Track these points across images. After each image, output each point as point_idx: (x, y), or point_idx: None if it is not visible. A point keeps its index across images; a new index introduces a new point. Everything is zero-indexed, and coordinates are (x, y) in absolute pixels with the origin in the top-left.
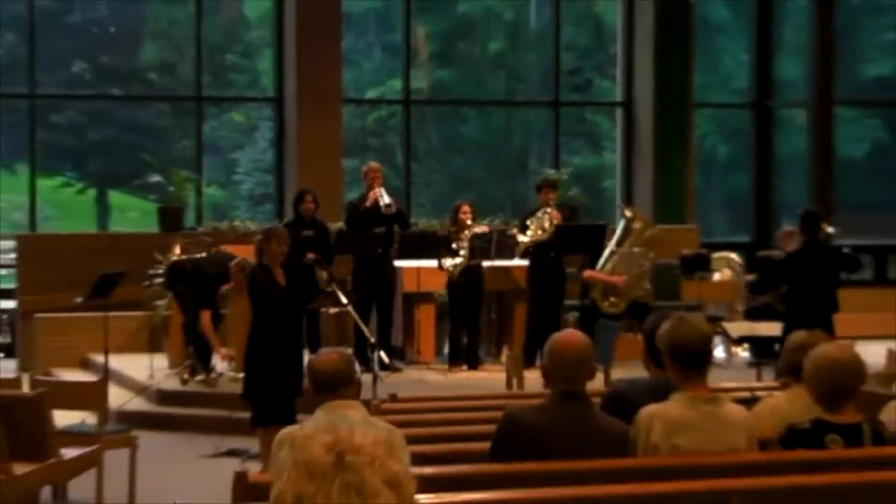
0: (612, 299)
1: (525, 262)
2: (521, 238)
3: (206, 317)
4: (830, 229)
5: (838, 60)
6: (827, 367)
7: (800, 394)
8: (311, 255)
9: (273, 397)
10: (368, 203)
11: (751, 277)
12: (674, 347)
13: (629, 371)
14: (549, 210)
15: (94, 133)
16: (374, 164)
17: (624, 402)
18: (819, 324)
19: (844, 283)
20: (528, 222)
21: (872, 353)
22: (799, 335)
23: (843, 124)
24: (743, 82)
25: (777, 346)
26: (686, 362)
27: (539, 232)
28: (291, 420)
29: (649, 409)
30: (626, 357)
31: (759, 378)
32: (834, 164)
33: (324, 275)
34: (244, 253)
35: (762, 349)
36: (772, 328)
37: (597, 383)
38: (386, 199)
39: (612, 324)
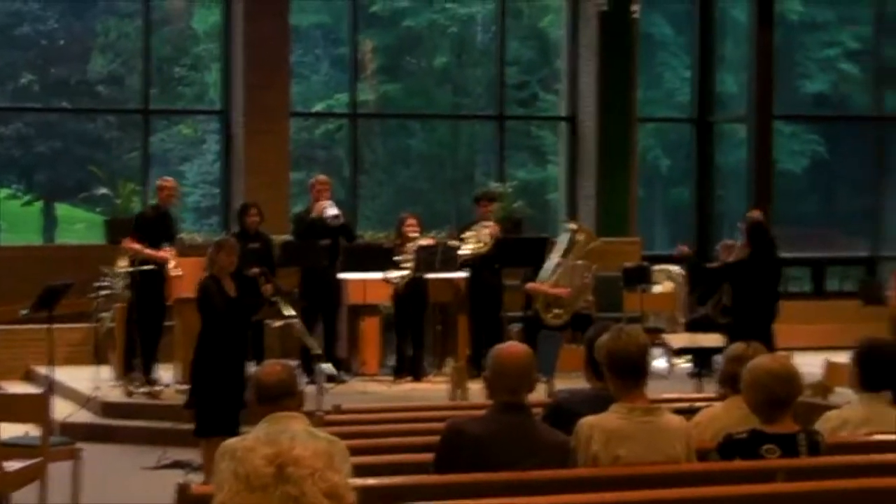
0: (555, 311)
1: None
2: (463, 250)
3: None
4: None
5: (778, 77)
6: (764, 378)
7: (737, 404)
8: (255, 270)
9: (217, 408)
10: (315, 214)
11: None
12: (612, 359)
13: (572, 382)
14: (487, 223)
15: (41, 145)
16: (321, 176)
17: (565, 412)
18: (760, 334)
19: (783, 296)
20: (466, 235)
21: (809, 365)
22: (737, 347)
23: (782, 139)
24: (685, 97)
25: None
26: (624, 373)
27: (479, 245)
28: (234, 431)
29: (588, 421)
30: (569, 368)
31: (699, 389)
32: (774, 178)
33: (269, 288)
34: (191, 265)
35: (702, 360)
36: (712, 339)
37: (539, 394)
38: (332, 211)
39: (555, 335)
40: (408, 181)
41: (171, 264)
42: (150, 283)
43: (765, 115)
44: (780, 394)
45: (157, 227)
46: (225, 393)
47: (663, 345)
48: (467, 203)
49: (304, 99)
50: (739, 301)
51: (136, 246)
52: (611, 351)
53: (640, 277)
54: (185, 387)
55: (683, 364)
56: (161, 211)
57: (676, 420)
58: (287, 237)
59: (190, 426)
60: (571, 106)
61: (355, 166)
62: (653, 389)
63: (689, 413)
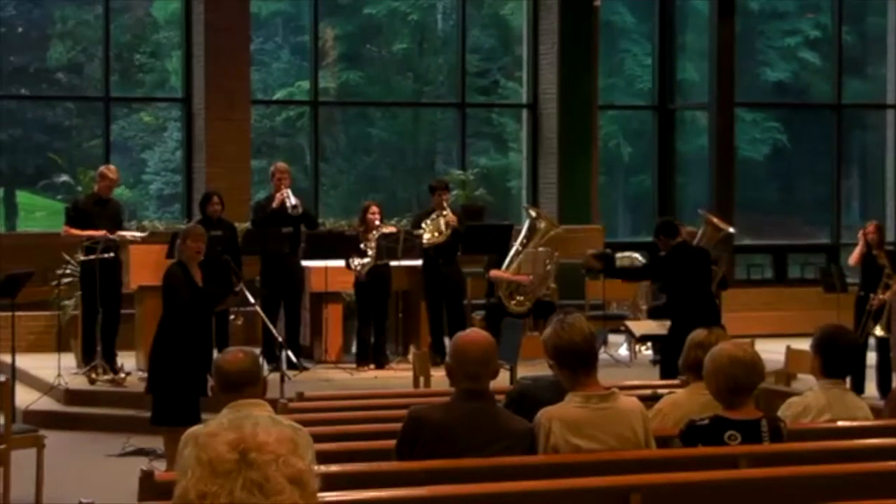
0: (517, 298)
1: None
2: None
3: None
4: (731, 229)
5: (739, 65)
6: (726, 365)
7: (700, 391)
8: (226, 257)
9: (177, 396)
10: (275, 204)
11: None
12: (558, 351)
13: (534, 369)
14: (444, 212)
15: (0, 133)
16: (281, 164)
17: (528, 399)
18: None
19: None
20: (424, 224)
21: (771, 351)
22: (699, 333)
23: (743, 127)
24: (646, 85)
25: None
26: (573, 363)
27: (436, 234)
28: (195, 420)
29: (547, 412)
30: (532, 355)
31: (661, 376)
32: (735, 165)
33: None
34: (153, 253)
35: (664, 347)
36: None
37: (503, 381)
38: (292, 201)
39: (518, 322)
40: (369, 169)
41: (123, 235)
42: (107, 271)
43: (726, 102)
44: (742, 380)
45: (95, 214)
46: (186, 381)
47: (626, 332)
48: (429, 191)
49: (265, 87)
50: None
51: (76, 231)
52: (556, 344)
53: None
54: (146, 374)
55: (646, 351)
56: (99, 199)
57: (631, 402)
58: (247, 225)
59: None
60: (533, 93)
61: (316, 154)
62: (615, 376)
63: (651, 400)
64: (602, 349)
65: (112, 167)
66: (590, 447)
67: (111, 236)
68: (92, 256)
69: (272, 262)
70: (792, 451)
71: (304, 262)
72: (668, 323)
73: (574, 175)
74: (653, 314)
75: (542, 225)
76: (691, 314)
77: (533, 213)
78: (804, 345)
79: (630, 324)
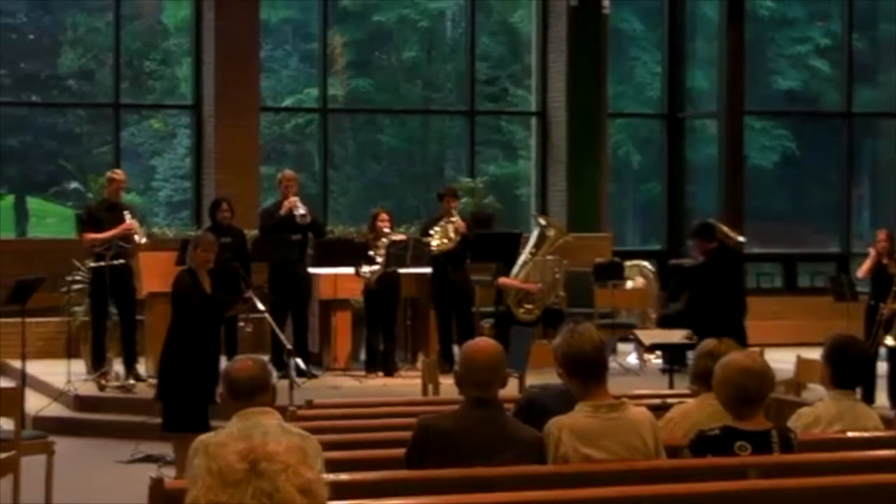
0: (526, 306)
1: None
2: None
3: None
4: (741, 238)
5: (749, 73)
6: (736, 375)
7: (710, 401)
8: (235, 264)
9: (186, 403)
10: (283, 211)
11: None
12: (568, 360)
13: (543, 377)
14: (453, 219)
15: (11, 139)
16: (288, 172)
17: (537, 408)
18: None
19: (754, 291)
20: (432, 231)
21: (781, 361)
22: (709, 343)
23: (753, 135)
24: (655, 93)
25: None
26: (583, 373)
27: (444, 241)
28: (204, 427)
29: (557, 421)
30: (541, 364)
31: (671, 385)
32: (744, 173)
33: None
34: (163, 260)
35: (674, 356)
36: (679, 335)
37: (511, 390)
38: (301, 210)
39: (527, 330)
40: (378, 176)
41: (137, 235)
42: (118, 278)
43: (735, 110)
44: (752, 390)
45: (107, 220)
46: (195, 388)
47: (635, 340)
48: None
49: (274, 94)
50: (707, 299)
51: (97, 235)
52: (566, 353)
53: (611, 273)
54: (156, 380)
55: (655, 360)
56: (109, 203)
57: (641, 412)
58: (256, 232)
59: (160, 420)
60: (542, 101)
61: (325, 161)
62: (625, 385)
63: (661, 409)
64: (611, 358)
65: (118, 171)
66: (599, 457)
67: (131, 224)
68: (102, 263)
69: (280, 269)
70: (802, 461)
71: (313, 270)
72: (677, 332)
73: (583, 183)
74: (663, 323)
75: (551, 233)
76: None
77: (542, 221)
78: (814, 354)
79: (639, 332)
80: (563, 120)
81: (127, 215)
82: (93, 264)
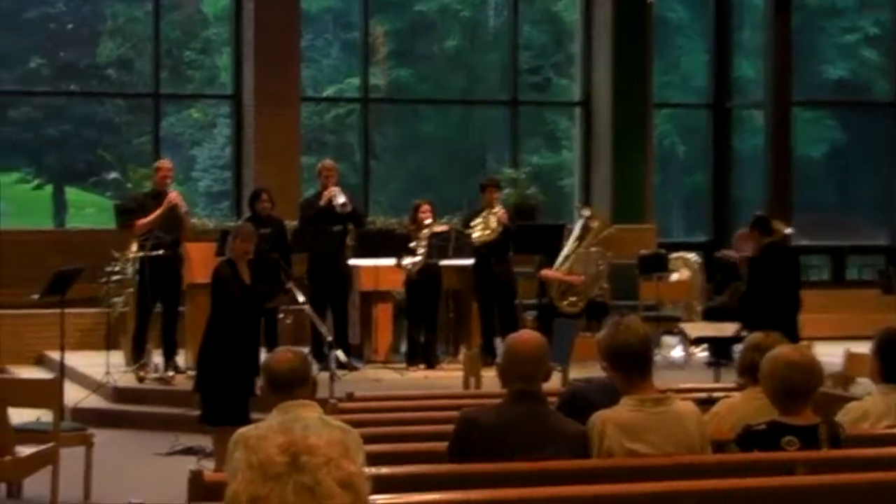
0: (569, 299)
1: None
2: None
3: None
4: (788, 230)
5: (797, 62)
6: (783, 369)
7: (757, 395)
8: (275, 255)
9: (225, 396)
10: (323, 201)
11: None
12: (613, 353)
13: (587, 371)
14: (495, 210)
15: (51, 129)
16: (328, 162)
17: (581, 401)
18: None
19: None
20: (474, 222)
21: (829, 354)
22: (756, 336)
23: (800, 125)
24: (702, 82)
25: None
26: (628, 366)
27: (486, 232)
28: (244, 419)
29: (601, 415)
30: (584, 357)
31: (717, 379)
32: (792, 164)
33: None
34: (203, 250)
35: (720, 350)
36: (729, 329)
37: (554, 383)
38: (341, 199)
39: (570, 323)
40: (419, 167)
41: (180, 202)
42: (164, 267)
43: (783, 100)
44: (799, 384)
45: (155, 207)
46: (235, 380)
47: (680, 334)
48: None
49: (315, 83)
50: (760, 293)
51: (145, 220)
52: (610, 346)
53: (656, 265)
54: (195, 372)
55: (700, 353)
56: (157, 193)
57: (687, 406)
58: (296, 223)
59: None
60: (586, 91)
61: (366, 151)
62: (669, 379)
63: (707, 403)
64: (656, 351)
65: (165, 160)
66: (644, 451)
67: (174, 195)
68: (141, 254)
69: (321, 261)
70: (851, 457)
71: (354, 261)
72: (723, 325)
73: (628, 174)
74: (708, 315)
75: (594, 224)
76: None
77: (586, 213)
78: (863, 348)
79: (685, 325)
80: (607, 110)
81: (170, 191)
82: (138, 253)
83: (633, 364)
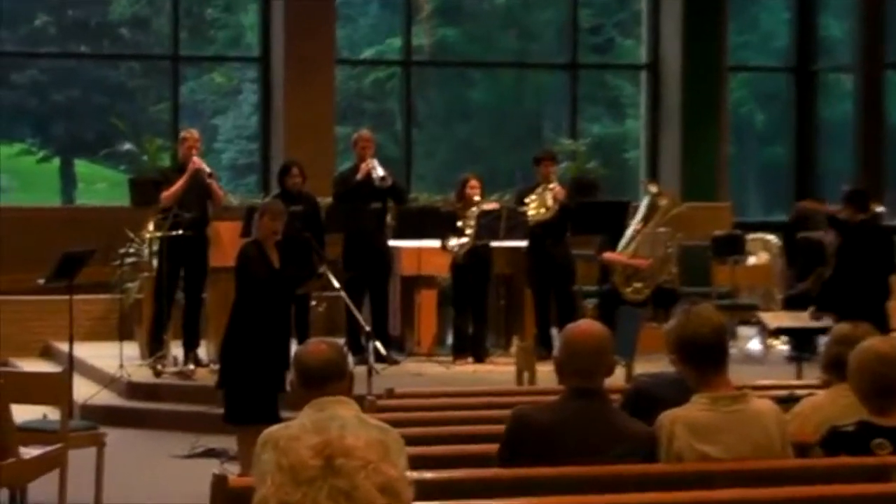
0: (634, 285)
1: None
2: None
3: None
4: (880, 208)
5: (890, 19)
6: (873, 364)
7: (844, 393)
8: (307, 235)
9: (252, 391)
10: (360, 175)
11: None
12: (683, 345)
13: (654, 365)
14: (550, 185)
15: (58, 95)
16: (364, 132)
17: (647, 399)
18: (871, 315)
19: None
20: (528, 199)
21: None
22: (843, 327)
23: (894, 91)
24: (783, 43)
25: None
26: (700, 360)
27: (541, 210)
28: (273, 418)
29: (670, 414)
30: (651, 349)
31: (799, 375)
32: (885, 134)
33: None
34: (227, 230)
35: (802, 342)
36: (813, 319)
37: (618, 379)
38: (380, 171)
39: (635, 312)
40: (467, 137)
41: (204, 166)
42: (187, 249)
43: (874, 63)
44: (892, 381)
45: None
46: (262, 374)
47: (758, 324)
48: None
49: (352, 44)
50: (848, 277)
51: (169, 191)
52: (680, 337)
53: (731, 247)
54: (218, 366)
55: (781, 346)
56: (181, 165)
57: (767, 405)
58: (330, 200)
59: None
60: (653, 52)
61: (408, 120)
62: (746, 374)
63: (787, 402)
64: (731, 343)
65: (192, 130)
66: (718, 455)
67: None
68: (159, 234)
69: (357, 242)
70: None
71: (394, 242)
72: (806, 315)
73: (699, 145)
74: (789, 304)
75: (662, 202)
76: (859, 303)
77: (652, 189)
78: None
79: (763, 315)
80: (676, 74)
81: (195, 158)
82: (154, 234)
83: (705, 357)
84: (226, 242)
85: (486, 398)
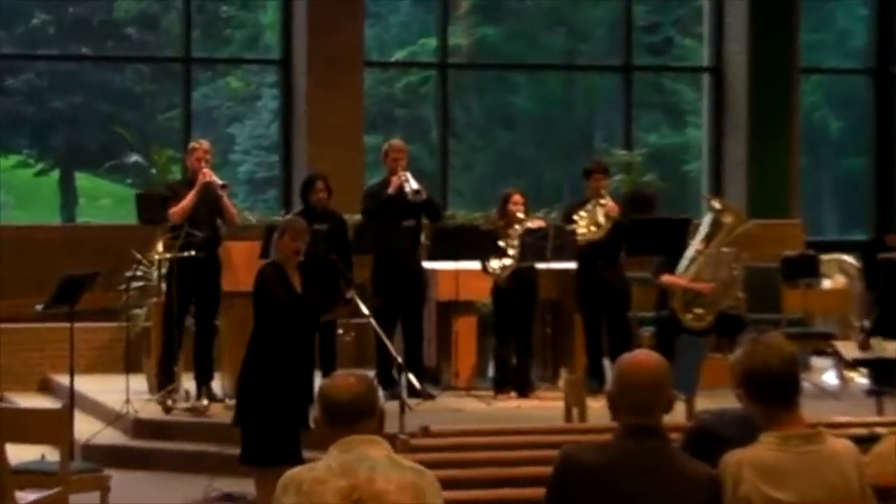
0: (696, 311)
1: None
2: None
3: None
4: None
5: None
6: None
7: None
8: (333, 257)
9: (272, 429)
10: (391, 189)
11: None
12: (750, 378)
13: (717, 400)
14: (602, 201)
15: (57, 101)
16: (396, 142)
17: (710, 438)
18: None
19: None
20: (577, 216)
21: None
22: None
23: None
24: (860, 42)
25: None
26: (768, 395)
27: (592, 228)
28: (295, 458)
29: (736, 455)
30: (714, 383)
31: (879, 411)
32: None
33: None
34: (239, 251)
35: (883, 375)
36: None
37: (678, 415)
38: (413, 185)
39: (697, 341)
40: (510, 147)
41: (216, 179)
42: (199, 272)
43: None
44: None
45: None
46: (284, 410)
47: (834, 354)
48: None
49: (382, 45)
50: None
51: (177, 207)
52: (747, 369)
53: (803, 269)
54: (234, 401)
55: (860, 379)
56: (190, 180)
57: (843, 445)
58: (358, 217)
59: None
60: (716, 53)
61: (445, 129)
62: (821, 410)
63: (867, 442)
64: (803, 376)
65: (203, 140)
66: (789, 500)
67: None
68: (169, 255)
69: (388, 263)
70: None
71: (429, 264)
72: (889, 345)
73: (768, 156)
74: (869, 332)
75: (727, 219)
76: None
77: (716, 205)
78: None
79: (839, 344)
80: (742, 76)
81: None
82: (163, 255)
83: (774, 392)
84: (237, 265)
85: (530, 437)
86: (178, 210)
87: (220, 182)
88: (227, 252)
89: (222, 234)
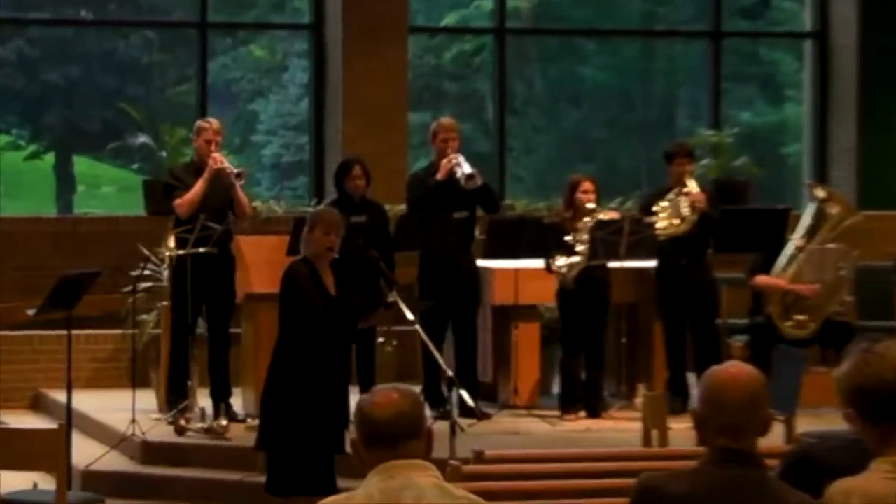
0: (796, 318)
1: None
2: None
3: None
4: None
5: None
6: None
7: None
8: (373, 253)
9: (301, 454)
10: (440, 175)
11: None
12: (860, 395)
13: (822, 421)
14: (686, 189)
15: (52, 73)
16: (446, 121)
17: (814, 465)
18: None
19: None
20: (657, 208)
21: None
22: None
23: None
24: None
25: None
26: (882, 415)
27: (674, 221)
28: (328, 487)
29: (844, 485)
30: (818, 401)
31: None
32: None
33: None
34: (266, 248)
35: None
36: None
37: (775, 439)
38: (466, 169)
39: (798, 353)
40: (578, 127)
41: (227, 164)
42: (211, 271)
43: None
44: None
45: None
46: (314, 432)
47: None
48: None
49: (429, 8)
50: None
51: (184, 197)
52: (857, 385)
53: None
54: (257, 422)
55: None
56: (197, 165)
57: None
58: (401, 208)
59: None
60: (820, 18)
61: (502, 105)
62: None
63: None
64: None
65: (211, 119)
66: None
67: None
68: (181, 252)
69: (437, 262)
70: None
71: (483, 262)
72: None
73: (880, 137)
74: None
75: (833, 210)
76: None
77: (820, 194)
78: None
79: None
80: (851, 45)
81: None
82: (175, 252)
83: (889, 411)
84: (265, 262)
85: (603, 463)
86: (184, 202)
87: (234, 170)
88: (247, 247)
89: (232, 228)
